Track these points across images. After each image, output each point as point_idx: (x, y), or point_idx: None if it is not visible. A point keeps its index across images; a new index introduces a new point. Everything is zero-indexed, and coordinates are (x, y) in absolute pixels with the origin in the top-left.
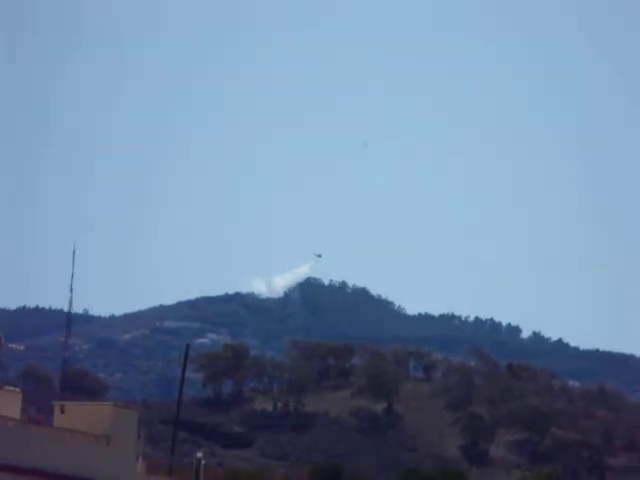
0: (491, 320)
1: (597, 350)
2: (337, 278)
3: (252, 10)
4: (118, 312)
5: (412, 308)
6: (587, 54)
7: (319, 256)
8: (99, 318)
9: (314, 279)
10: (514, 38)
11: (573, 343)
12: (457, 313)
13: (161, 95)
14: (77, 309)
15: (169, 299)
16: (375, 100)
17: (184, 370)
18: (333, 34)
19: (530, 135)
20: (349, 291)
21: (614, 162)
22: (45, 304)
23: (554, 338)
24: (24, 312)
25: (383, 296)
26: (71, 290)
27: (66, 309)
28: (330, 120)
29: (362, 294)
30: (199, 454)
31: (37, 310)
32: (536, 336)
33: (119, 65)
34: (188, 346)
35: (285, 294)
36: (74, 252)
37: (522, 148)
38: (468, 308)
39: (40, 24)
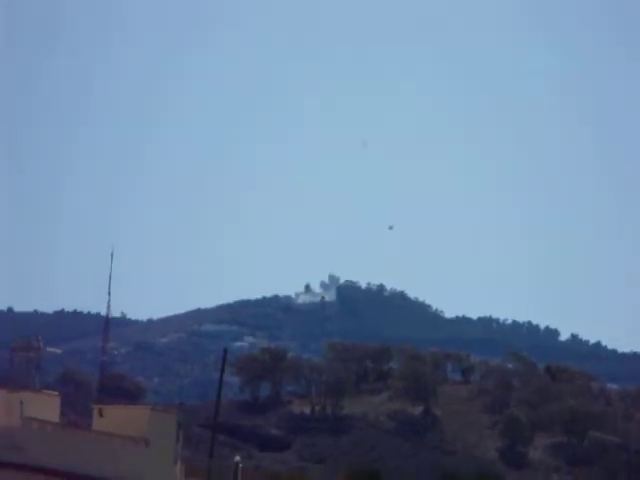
0: (529, 323)
1: (635, 353)
2: (375, 281)
3: (252, 10)
4: (155, 316)
5: (450, 311)
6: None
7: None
8: (136, 322)
9: (352, 282)
10: (515, 38)
11: (611, 346)
12: (495, 316)
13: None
14: (115, 313)
15: (207, 302)
16: (375, 100)
17: (222, 373)
18: (332, 34)
19: (531, 134)
20: (387, 294)
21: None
22: (83, 308)
23: (592, 341)
24: (62, 316)
25: (420, 299)
26: (109, 293)
27: (103, 313)
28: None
29: (399, 297)
30: (237, 457)
31: (75, 314)
32: (574, 339)
33: (95, 65)
34: (226, 350)
35: (323, 297)
36: (112, 255)
37: (525, 144)
38: (506, 311)
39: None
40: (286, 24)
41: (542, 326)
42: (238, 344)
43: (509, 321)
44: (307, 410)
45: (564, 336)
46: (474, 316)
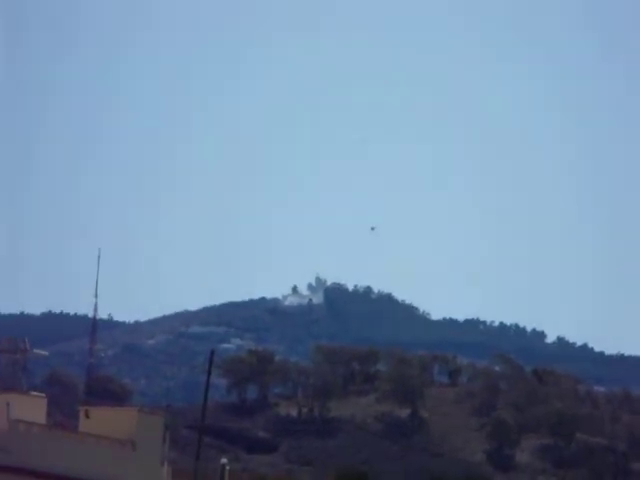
0: (516, 325)
1: (622, 355)
2: (362, 283)
3: (252, 10)
4: (143, 318)
5: (437, 313)
6: (594, 53)
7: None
8: (123, 324)
9: (339, 284)
10: (516, 37)
11: (598, 348)
12: (482, 318)
13: (158, 96)
14: (102, 315)
15: (194, 304)
16: (374, 99)
17: (209, 375)
18: (332, 34)
19: (531, 133)
20: (374, 296)
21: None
22: (70, 310)
23: (579, 343)
24: (49, 317)
25: (408, 301)
26: (96, 296)
27: (91, 315)
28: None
29: (387, 299)
30: (224, 459)
31: (62, 316)
32: (561, 341)
33: (115, 65)
34: (213, 351)
35: (310, 299)
36: (99, 257)
37: (526, 146)
38: (493, 313)
39: (37, 21)
40: (286, 24)
41: (529, 328)
42: (225, 346)
43: (496, 323)
44: (294, 412)
45: (551, 338)
46: (461, 318)
